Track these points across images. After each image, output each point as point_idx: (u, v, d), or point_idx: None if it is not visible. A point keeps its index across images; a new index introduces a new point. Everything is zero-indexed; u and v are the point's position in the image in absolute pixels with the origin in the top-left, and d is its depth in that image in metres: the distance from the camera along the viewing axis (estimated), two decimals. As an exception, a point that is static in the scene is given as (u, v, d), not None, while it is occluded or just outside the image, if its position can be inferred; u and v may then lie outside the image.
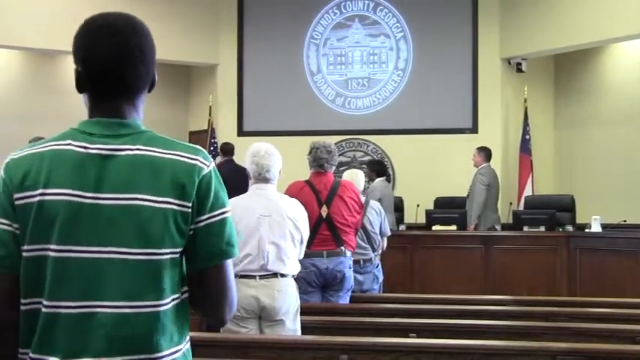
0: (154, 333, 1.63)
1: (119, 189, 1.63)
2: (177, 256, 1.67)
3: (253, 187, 4.25)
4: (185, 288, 1.71)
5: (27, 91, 10.39)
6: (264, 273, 4.04)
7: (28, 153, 1.68)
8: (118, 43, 1.68)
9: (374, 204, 6.11)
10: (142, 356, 1.62)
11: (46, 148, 1.67)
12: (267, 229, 4.07)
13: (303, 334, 4.13)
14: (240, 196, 4.44)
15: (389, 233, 6.15)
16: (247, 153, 4.24)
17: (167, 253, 1.64)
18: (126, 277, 1.62)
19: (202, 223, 1.67)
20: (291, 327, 4.08)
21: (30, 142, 1.79)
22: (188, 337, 1.74)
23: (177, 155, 1.67)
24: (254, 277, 4.04)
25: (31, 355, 1.64)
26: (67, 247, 1.62)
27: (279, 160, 4.22)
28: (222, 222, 1.69)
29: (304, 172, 5.21)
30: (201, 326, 4.50)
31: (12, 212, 1.65)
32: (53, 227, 1.62)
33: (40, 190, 1.63)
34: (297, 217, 4.15)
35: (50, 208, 1.62)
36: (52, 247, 1.62)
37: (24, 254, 1.64)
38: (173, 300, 1.67)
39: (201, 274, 1.70)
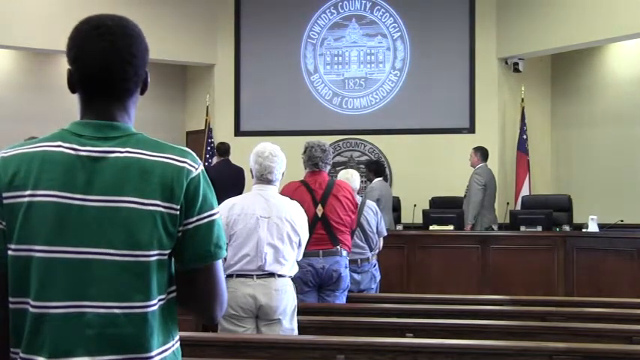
0: (142, 333, 1.64)
1: (108, 191, 1.64)
2: (166, 257, 1.68)
3: (255, 188, 4.25)
4: (172, 288, 1.72)
5: (23, 90, 10.39)
6: (262, 273, 4.05)
7: (18, 152, 1.68)
8: (107, 43, 1.68)
9: (370, 204, 6.11)
10: (131, 356, 1.63)
11: (37, 149, 1.67)
12: (266, 231, 4.08)
13: (299, 333, 4.14)
14: (241, 195, 4.45)
15: (385, 233, 6.15)
16: (252, 152, 4.24)
17: (155, 255, 1.65)
18: (114, 278, 1.63)
19: (191, 226, 1.68)
20: (288, 326, 4.09)
21: (25, 141, 1.78)
22: (177, 337, 1.75)
23: (166, 158, 1.68)
24: (251, 276, 4.05)
25: (21, 354, 1.64)
26: (55, 248, 1.62)
27: (283, 162, 4.23)
28: (211, 224, 1.70)
29: (301, 173, 5.20)
30: (198, 325, 4.50)
31: (0, 210, 1.65)
32: (41, 228, 1.62)
33: (30, 192, 1.63)
34: (295, 220, 4.16)
35: (39, 210, 1.63)
36: (38, 248, 1.62)
37: (10, 252, 1.65)
38: (160, 301, 1.67)
39: (191, 274, 1.72)
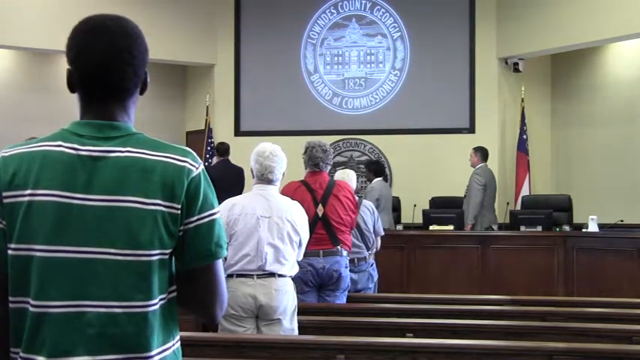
0: (143, 332, 1.64)
1: (108, 191, 1.64)
2: (167, 257, 1.68)
3: (255, 187, 4.25)
4: (173, 288, 1.72)
5: (22, 90, 10.39)
6: (262, 273, 4.05)
7: (19, 152, 1.69)
8: (106, 43, 1.69)
9: (367, 203, 6.09)
10: (132, 355, 1.63)
11: (37, 149, 1.68)
12: (266, 231, 4.08)
13: (299, 333, 4.13)
14: (242, 195, 4.45)
15: (382, 233, 6.14)
16: (253, 152, 4.24)
17: (156, 254, 1.65)
18: (115, 278, 1.63)
19: (191, 225, 1.68)
20: (289, 326, 4.09)
21: (25, 141, 1.78)
22: (178, 336, 1.75)
23: (167, 157, 1.68)
24: (252, 276, 4.05)
25: (22, 354, 1.64)
26: (56, 248, 1.62)
27: (284, 162, 4.24)
28: (211, 223, 1.70)
29: (301, 172, 5.21)
30: (198, 325, 4.50)
31: (1, 209, 1.66)
32: (41, 228, 1.62)
33: (30, 191, 1.64)
34: (296, 220, 4.16)
35: (39, 209, 1.63)
36: (38, 247, 1.63)
37: (10, 252, 1.65)
38: (161, 300, 1.68)
39: (191, 273, 1.72)
